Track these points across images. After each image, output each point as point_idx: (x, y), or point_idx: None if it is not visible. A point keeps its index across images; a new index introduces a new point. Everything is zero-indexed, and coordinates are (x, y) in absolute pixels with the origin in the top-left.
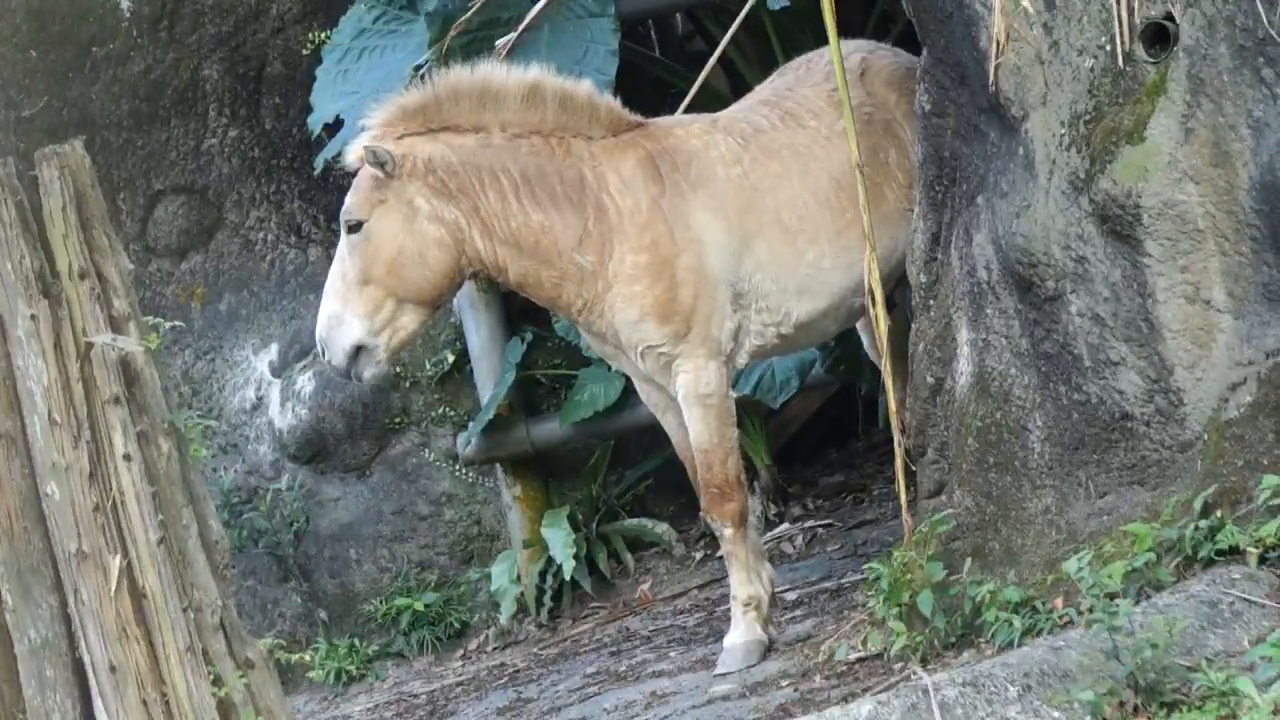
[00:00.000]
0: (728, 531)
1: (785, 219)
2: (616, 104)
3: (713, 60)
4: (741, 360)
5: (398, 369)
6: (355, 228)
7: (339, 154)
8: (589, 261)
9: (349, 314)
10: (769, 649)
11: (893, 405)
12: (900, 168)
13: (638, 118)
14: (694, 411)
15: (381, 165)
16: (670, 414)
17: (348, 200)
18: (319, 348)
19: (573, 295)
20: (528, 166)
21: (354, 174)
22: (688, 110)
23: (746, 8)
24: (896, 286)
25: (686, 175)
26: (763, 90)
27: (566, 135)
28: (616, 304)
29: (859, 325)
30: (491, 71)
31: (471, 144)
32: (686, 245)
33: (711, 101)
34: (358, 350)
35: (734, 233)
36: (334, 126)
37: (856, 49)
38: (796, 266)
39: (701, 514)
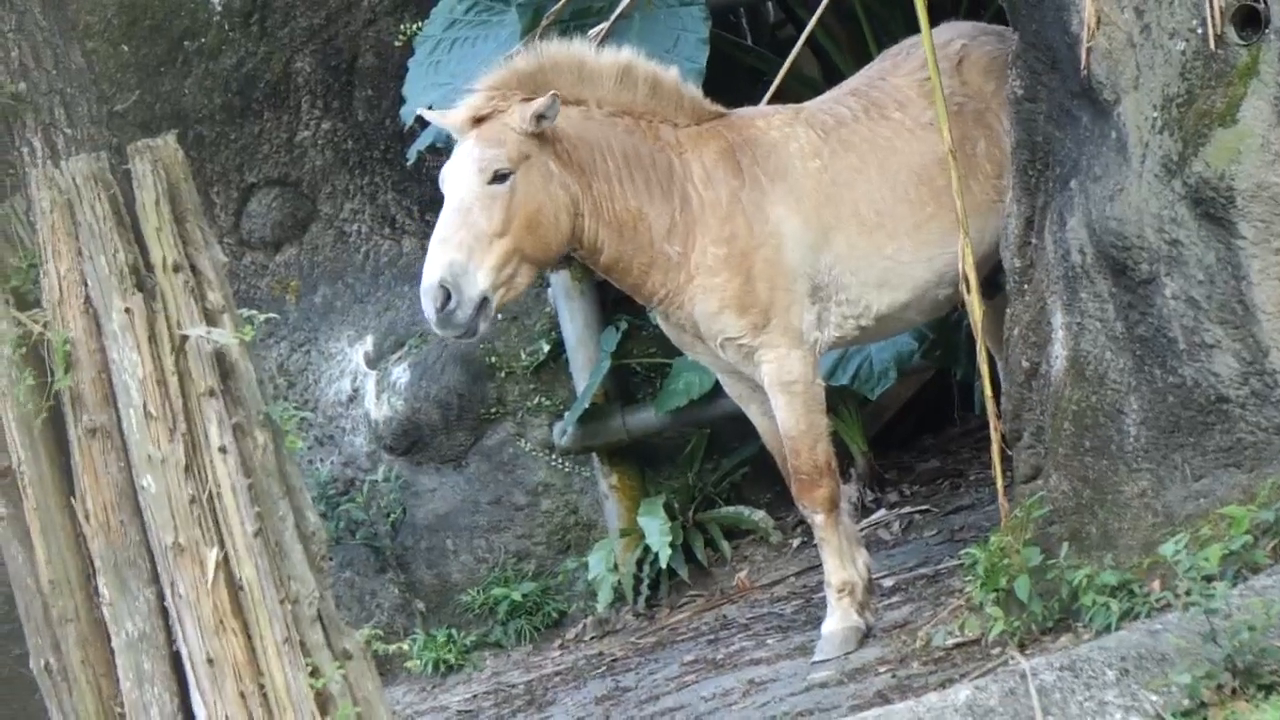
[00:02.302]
0: (819, 518)
1: (863, 212)
2: (699, 93)
3: (798, 46)
4: (822, 349)
5: (492, 359)
6: (500, 178)
7: (432, 144)
8: (676, 252)
9: (475, 265)
10: (867, 635)
11: (988, 390)
12: (989, 158)
13: (719, 108)
14: (780, 399)
15: (541, 118)
16: (754, 404)
17: (487, 150)
18: (431, 298)
19: (657, 284)
20: (626, 147)
21: (442, 152)
22: (778, 98)
23: None
24: (985, 276)
25: (765, 168)
26: (855, 79)
27: (655, 120)
28: (697, 296)
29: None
30: (584, 48)
31: (577, 116)
32: (765, 239)
33: (804, 89)
34: (483, 302)
35: (811, 226)
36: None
37: (959, 35)
38: (875, 259)
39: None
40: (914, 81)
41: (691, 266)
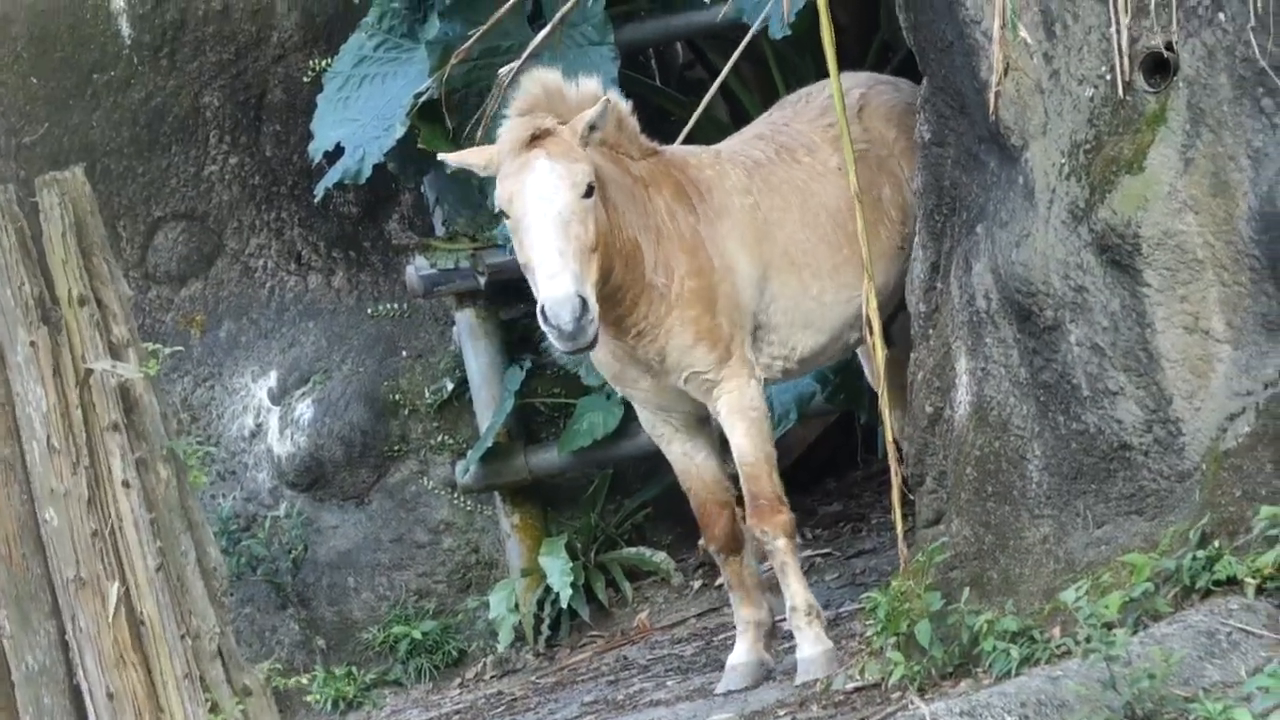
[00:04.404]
0: (780, 543)
1: (792, 252)
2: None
3: (714, 89)
4: None
5: (396, 396)
6: (590, 192)
7: (339, 181)
8: (662, 283)
9: (586, 278)
10: (768, 676)
11: (890, 434)
12: (894, 204)
13: (655, 145)
14: (739, 426)
15: (593, 128)
16: (676, 443)
17: (572, 165)
18: (570, 308)
19: (641, 315)
20: (615, 176)
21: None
22: (688, 140)
23: (748, 37)
24: (890, 319)
25: (711, 205)
26: (758, 124)
27: (619, 152)
28: (675, 327)
29: (860, 354)
30: (562, 77)
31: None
32: (724, 273)
33: (712, 130)
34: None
35: (756, 264)
36: (334, 154)
37: (856, 84)
38: (803, 300)
39: (701, 542)
40: (817, 127)
41: (672, 298)
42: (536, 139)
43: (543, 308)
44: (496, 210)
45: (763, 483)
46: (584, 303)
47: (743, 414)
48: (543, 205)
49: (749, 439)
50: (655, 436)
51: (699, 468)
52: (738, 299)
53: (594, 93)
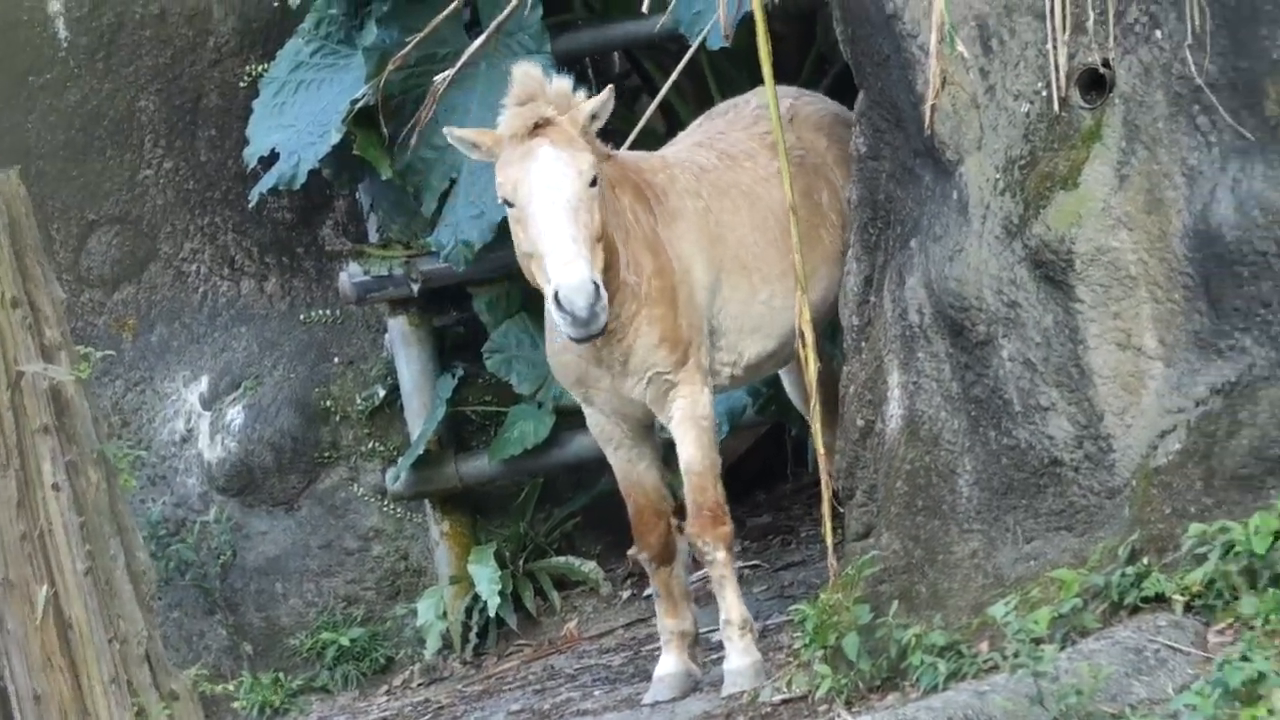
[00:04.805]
0: (720, 555)
1: (743, 256)
2: None
3: (656, 101)
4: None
5: (327, 403)
6: (594, 181)
7: (274, 186)
8: (634, 280)
9: (595, 271)
10: (695, 688)
11: (820, 447)
12: (833, 209)
13: (608, 148)
14: (690, 434)
15: (595, 117)
16: (623, 449)
17: (577, 154)
18: (586, 294)
19: (614, 314)
20: None
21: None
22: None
23: (690, 53)
24: (834, 326)
25: (666, 207)
26: (694, 134)
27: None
28: (643, 326)
29: (781, 370)
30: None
31: None
32: (683, 275)
33: (648, 141)
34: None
35: (710, 267)
36: (269, 160)
37: (783, 94)
38: (753, 304)
39: (630, 551)
40: (753, 135)
41: (642, 296)
42: (539, 128)
43: (556, 294)
44: (500, 199)
45: (709, 492)
46: (598, 288)
47: (695, 422)
48: (552, 192)
49: (698, 447)
50: (603, 441)
51: (641, 475)
52: (695, 301)
53: (566, 90)
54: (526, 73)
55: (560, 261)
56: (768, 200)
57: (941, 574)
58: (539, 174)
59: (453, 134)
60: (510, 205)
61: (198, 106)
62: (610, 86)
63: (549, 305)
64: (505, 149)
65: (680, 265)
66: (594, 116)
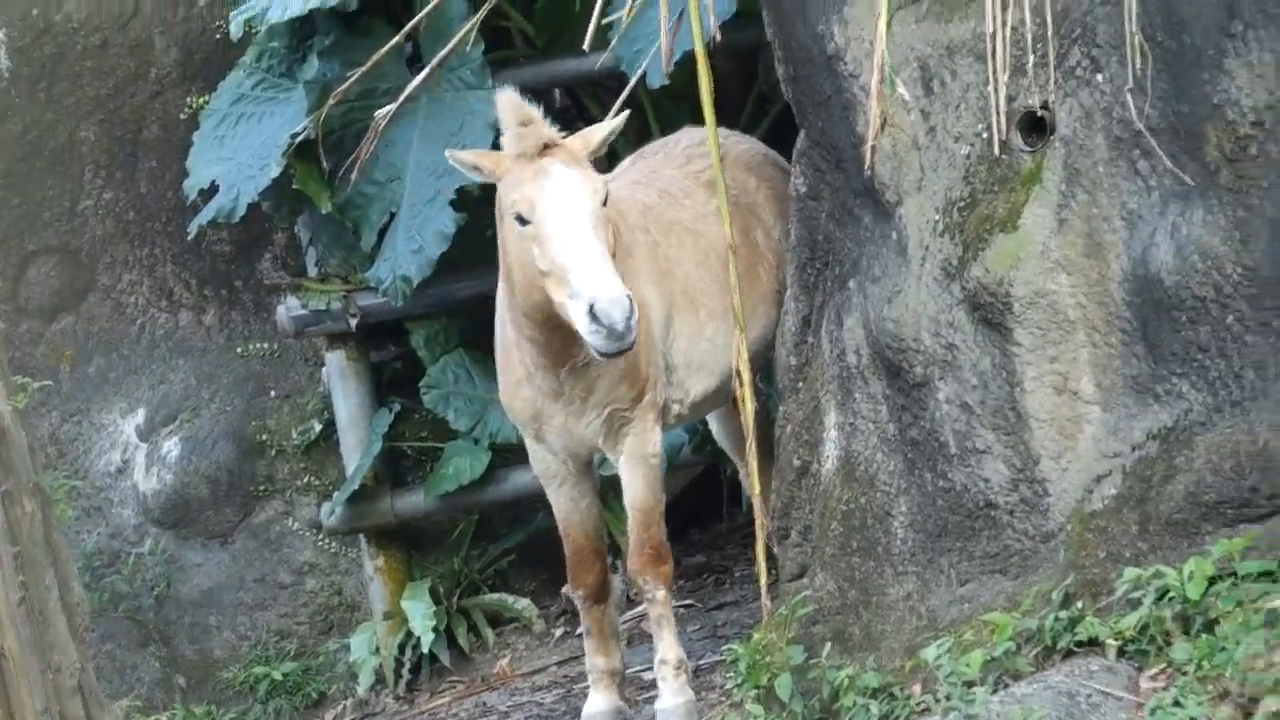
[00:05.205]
0: (660, 593)
1: (691, 291)
2: None
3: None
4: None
5: (263, 436)
6: (605, 202)
7: (213, 218)
8: None
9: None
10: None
11: (755, 487)
12: (769, 249)
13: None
14: (638, 471)
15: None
16: (567, 487)
17: (589, 174)
18: (622, 308)
19: (581, 347)
20: None
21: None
22: None
23: (628, 89)
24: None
25: (620, 242)
26: (629, 172)
27: None
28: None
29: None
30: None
31: None
32: (641, 309)
33: None
34: None
35: (663, 301)
36: (209, 192)
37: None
38: (699, 341)
39: (565, 589)
40: (687, 174)
41: None
42: (548, 148)
43: (591, 307)
44: (513, 216)
45: (653, 530)
46: (631, 302)
47: (644, 460)
48: (574, 210)
49: (646, 484)
50: (546, 479)
51: (583, 514)
52: (652, 336)
53: (538, 119)
54: (511, 99)
55: (594, 275)
56: (708, 237)
57: (875, 615)
58: (558, 191)
59: (453, 156)
60: (526, 223)
61: (138, 138)
62: (626, 112)
63: (577, 320)
64: (514, 169)
65: (638, 298)
66: (605, 139)
